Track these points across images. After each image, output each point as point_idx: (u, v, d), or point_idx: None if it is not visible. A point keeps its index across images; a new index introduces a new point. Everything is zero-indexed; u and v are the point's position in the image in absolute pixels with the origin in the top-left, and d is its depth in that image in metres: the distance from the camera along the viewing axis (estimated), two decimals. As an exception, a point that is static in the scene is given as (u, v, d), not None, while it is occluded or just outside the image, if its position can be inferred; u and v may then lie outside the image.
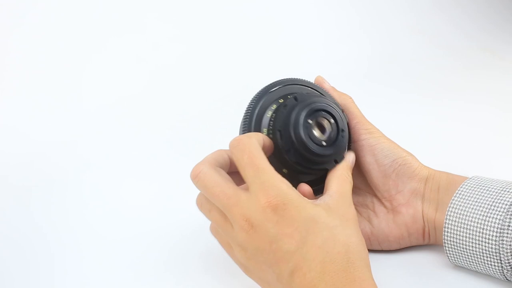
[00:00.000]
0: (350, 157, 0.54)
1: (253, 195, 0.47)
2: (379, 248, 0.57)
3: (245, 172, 0.48)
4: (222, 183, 0.48)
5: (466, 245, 0.52)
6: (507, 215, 0.50)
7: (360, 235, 0.48)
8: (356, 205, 0.58)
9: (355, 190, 0.59)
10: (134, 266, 0.60)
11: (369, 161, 0.56)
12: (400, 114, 0.93)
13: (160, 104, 0.97)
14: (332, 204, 0.49)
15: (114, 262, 0.61)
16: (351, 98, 0.58)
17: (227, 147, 0.52)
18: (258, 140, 0.50)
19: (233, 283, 0.56)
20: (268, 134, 0.53)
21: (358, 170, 0.57)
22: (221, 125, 0.73)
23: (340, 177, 0.52)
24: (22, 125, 0.89)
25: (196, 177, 0.49)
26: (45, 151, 0.84)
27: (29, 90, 0.94)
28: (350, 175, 0.53)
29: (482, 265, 0.51)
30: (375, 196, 0.58)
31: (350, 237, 0.47)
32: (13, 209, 0.72)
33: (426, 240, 0.56)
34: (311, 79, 0.58)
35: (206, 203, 0.51)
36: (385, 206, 0.57)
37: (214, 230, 0.53)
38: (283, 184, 0.47)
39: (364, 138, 0.56)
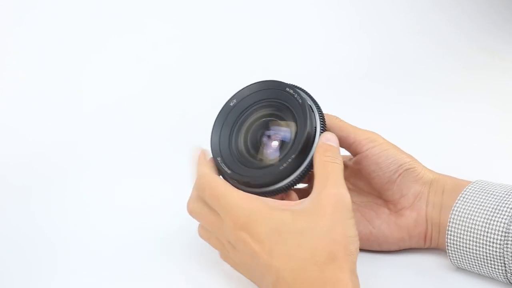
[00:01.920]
0: (322, 137, 0.53)
1: (224, 220, 0.49)
2: (379, 249, 0.57)
3: (212, 205, 0.51)
4: (206, 211, 0.52)
5: (469, 248, 0.52)
6: (512, 218, 0.50)
7: (339, 227, 0.47)
8: (359, 205, 0.58)
9: (359, 191, 0.59)
10: (134, 265, 0.60)
11: (373, 169, 0.56)
12: (400, 114, 0.93)
13: (160, 104, 0.97)
14: (309, 205, 0.49)
15: (115, 262, 0.61)
16: (336, 117, 0.57)
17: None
18: (210, 166, 0.54)
19: (233, 282, 0.56)
20: None
21: (363, 175, 0.57)
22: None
23: (317, 168, 0.51)
24: (21, 125, 0.89)
25: (191, 212, 0.54)
26: (45, 151, 0.84)
27: (29, 90, 0.94)
28: (333, 156, 0.51)
29: (485, 268, 0.51)
30: (380, 197, 0.58)
31: (317, 239, 0.47)
32: (13, 209, 0.72)
33: (428, 243, 0.56)
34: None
35: (205, 233, 0.55)
36: (388, 208, 0.57)
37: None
38: (243, 201, 0.49)
39: (367, 148, 0.56)
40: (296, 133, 0.53)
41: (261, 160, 0.54)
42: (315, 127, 0.53)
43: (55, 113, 0.92)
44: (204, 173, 0.53)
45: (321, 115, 0.55)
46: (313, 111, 0.54)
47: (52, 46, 0.98)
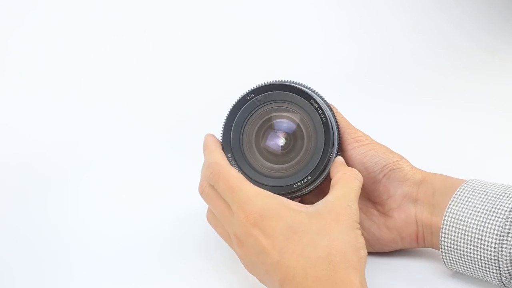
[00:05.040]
0: (342, 159, 0.55)
1: (235, 214, 0.49)
2: (372, 250, 0.57)
3: (225, 197, 0.51)
4: (218, 198, 0.52)
5: (463, 250, 0.51)
6: (507, 221, 0.49)
7: (352, 234, 0.48)
8: None
9: None
10: (135, 266, 0.60)
11: (359, 169, 0.55)
12: (400, 114, 0.93)
13: (160, 104, 0.97)
14: (322, 209, 0.49)
15: (115, 263, 0.61)
16: (334, 107, 0.57)
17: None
18: (223, 155, 0.54)
19: (233, 280, 0.56)
20: None
21: None
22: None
23: (341, 179, 0.52)
24: (21, 125, 0.89)
25: (202, 193, 0.53)
26: (44, 151, 0.84)
27: (28, 90, 0.94)
28: (356, 173, 0.53)
29: (480, 271, 0.51)
30: (368, 199, 0.57)
31: (334, 240, 0.47)
32: (12, 209, 0.72)
33: (421, 244, 0.56)
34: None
35: (213, 219, 0.54)
36: (377, 210, 0.57)
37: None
38: (259, 197, 0.49)
39: (352, 147, 0.56)
40: (314, 151, 0.53)
41: (272, 167, 0.54)
42: (333, 147, 0.54)
43: (54, 113, 0.92)
44: (218, 162, 0.52)
45: (338, 128, 0.55)
46: (333, 128, 0.54)
47: (52, 46, 0.98)
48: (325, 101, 0.55)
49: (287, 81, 0.56)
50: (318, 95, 0.55)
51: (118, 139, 0.88)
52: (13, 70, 0.95)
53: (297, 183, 0.53)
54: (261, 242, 0.48)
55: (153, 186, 0.75)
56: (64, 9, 1.00)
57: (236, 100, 0.55)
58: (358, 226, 0.49)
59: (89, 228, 0.67)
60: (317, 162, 0.53)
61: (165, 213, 0.69)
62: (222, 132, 0.55)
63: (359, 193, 0.52)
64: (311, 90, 0.56)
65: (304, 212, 0.49)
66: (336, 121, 0.55)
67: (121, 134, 0.89)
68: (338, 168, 0.53)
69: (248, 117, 0.55)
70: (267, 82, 0.55)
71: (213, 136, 0.56)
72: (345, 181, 0.51)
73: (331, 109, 0.55)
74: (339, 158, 0.55)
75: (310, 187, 0.54)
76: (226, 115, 0.55)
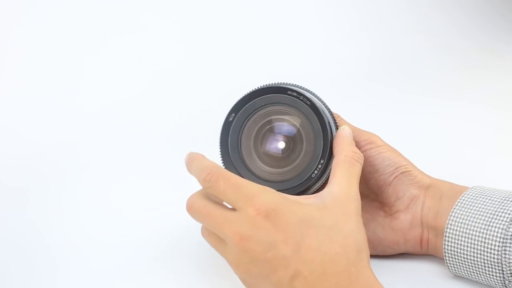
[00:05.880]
0: (344, 131, 0.54)
1: (241, 210, 0.47)
2: (374, 253, 0.57)
3: (227, 196, 0.48)
4: (209, 206, 0.49)
5: (467, 254, 0.51)
6: (510, 224, 0.49)
7: (362, 230, 0.48)
8: None
9: None
10: (135, 268, 0.60)
11: (369, 171, 0.56)
12: (401, 114, 0.93)
13: (160, 105, 0.97)
14: (329, 202, 0.49)
15: (114, 264, 0.61)
16: (338, 115, 0.57)
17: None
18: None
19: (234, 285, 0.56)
20: None
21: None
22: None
23: (342, 163, 0.51)
24: (20, 126, 0.89)
25: (190, 210, 0.51)
26: (43, 152, 0.84)
27: (27, 91, 0.94)
28: (359, 154, 0.52)
29: (483, 275, 0.51)
30: (375, 200, 0.57)
31: (347, 237, 0.47)
32: (10, 210, 0.72)
33: (424, 248, 0.56)
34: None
35: (205, 230, 0.52)
36: (384, 211, 0.57)
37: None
38: (268, 191, 0.48)
39: (364, 149, 0.56)
40: (314, 138, 0.53)
41: (284, 170, 0.54)
42: (329, 123, 0.54)
43: (53, 114, 0.92)
44: (213, 165, 0.50)
45: (327, 107, 0.55)
46: (323, 110, 0.54)
47: (51, 47, 0.98)
48: (307, 90, 0.55)
49: (261, 87, 0.55)
50: (297, 86, 0.55)
51: (118, 140, 0.88)
52: (11, 71, 0.95)
53: (313, 172, 0.52)
54: (273, 237, 0.46)
55: (153, 187, 0.75)
56: (64, 9, 1.00)
57: (222, 123, 0.54)
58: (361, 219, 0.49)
59: (88, 229, 0.67)
60: (322, 145, 0.52)
61: (164, 215, 0.69)
62: (223, 162, 0.54)
63: (360, 175, 0.51)
64: (287, 83, 0.55)
65: (313, 205, 0.48)
66: (325, 104, 0.55)
67: (121, 135, 0.89)
68: (340, 147, 0.52)
69: (240, 136, 0.54)
70: (242, 97, 0.54)
71: (194, 152, 0.53)
72: (346, 167, 0.51)
73: (309, 91, 0.55)
74: (341, 130, 0.54)
75: (326, 173, 0.53)
76: (219, 143, 0.54)
